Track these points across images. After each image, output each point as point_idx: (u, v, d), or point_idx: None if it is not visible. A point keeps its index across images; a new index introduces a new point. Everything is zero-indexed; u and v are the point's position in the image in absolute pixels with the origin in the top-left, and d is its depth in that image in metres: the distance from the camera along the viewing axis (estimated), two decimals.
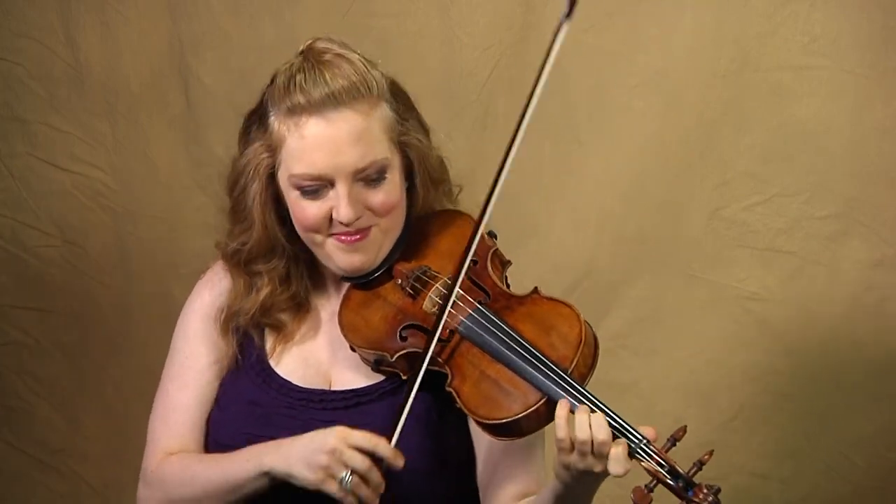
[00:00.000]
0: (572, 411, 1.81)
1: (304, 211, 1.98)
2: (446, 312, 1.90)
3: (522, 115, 1.89)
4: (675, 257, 2.96)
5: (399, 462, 1.87)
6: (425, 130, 2.07)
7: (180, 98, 3.15)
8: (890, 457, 2.88)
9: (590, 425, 1.78)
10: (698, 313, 2.96)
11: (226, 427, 2.04)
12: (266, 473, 1.92)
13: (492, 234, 2.03)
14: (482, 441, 2.00)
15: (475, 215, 2.02)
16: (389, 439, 1.87)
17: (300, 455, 1.88)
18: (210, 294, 2.12)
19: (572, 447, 1.79)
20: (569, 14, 1.86)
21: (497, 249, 2.02)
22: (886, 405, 2.87)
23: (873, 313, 2.87)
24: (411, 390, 1.89)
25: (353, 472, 1.85)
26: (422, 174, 2.04)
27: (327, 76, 1.95)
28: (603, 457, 1.78)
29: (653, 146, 2.95)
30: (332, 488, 1.85)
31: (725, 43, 2.88)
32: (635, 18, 2.92)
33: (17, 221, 3.19)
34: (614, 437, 1.78)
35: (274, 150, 2.00)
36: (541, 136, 3.01)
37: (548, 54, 1.88)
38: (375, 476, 1.86)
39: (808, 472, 2.91)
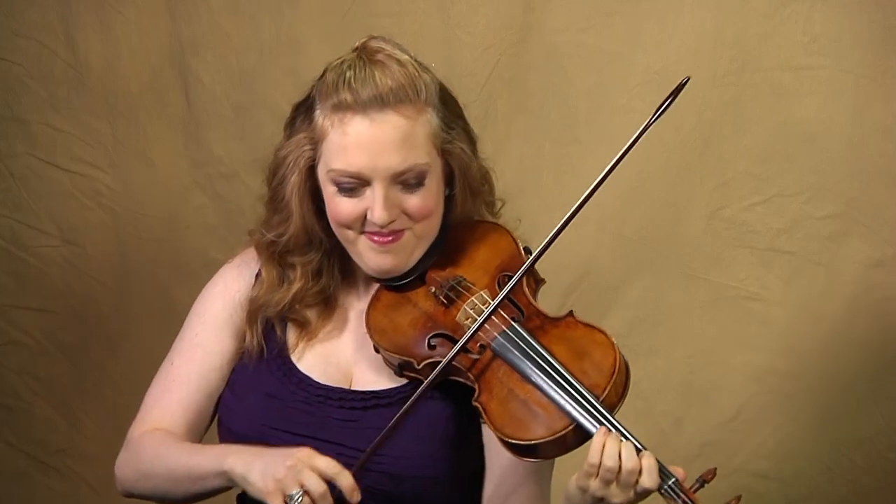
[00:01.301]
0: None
1: (339, 207, 1.97)
2: (478, 329, 1.88)
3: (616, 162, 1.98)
4: (675, 257, 2.96)
5: (355, 497, 1.84)
6: (471, 140, 2.06)
7: (180, 98, 3.15)
8: (890, 457, 2.88)
9: (620, 454, 1.77)
10: (698, 313, 2.96)
11: (241, 416, 2.03)
12: (224, 473, 1.91)
13: (527, 251, 2.02)
14: (495, 458, 1.98)
15: (513, 229, 2.04)
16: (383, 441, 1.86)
17: (261, 463, 1.86)
18: (237, 281, 2.11)
19: (598, 473, 1.78)
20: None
21: (532, 267, 2.00)
22: (887, 405, 2.87)
23: (873, 313, 2.87)
24: (421, 394, 1.88)
25: (307, 493, 1.81)
26: (461, 183, 2.03)
27: (377, 76, 1.95)
28: (628, 487, 1.77)
29: (653, 146, 2.94)
30: (276, 502, 1.83)
31: (725, 43, 2.88)
32: (635, 18, 2.92)
33: (17, 221, 3.19)
34: (638, 452, 1.78)
35: (316, 143, 1.99)
36: (541, 136, 3.01)
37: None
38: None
39: (808, 472, 2.91)
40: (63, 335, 3.23)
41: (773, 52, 2.87)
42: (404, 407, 1.87)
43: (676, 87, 1.95)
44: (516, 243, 2.03)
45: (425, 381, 1.87)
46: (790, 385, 2.91)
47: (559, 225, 1.92)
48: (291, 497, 1.81)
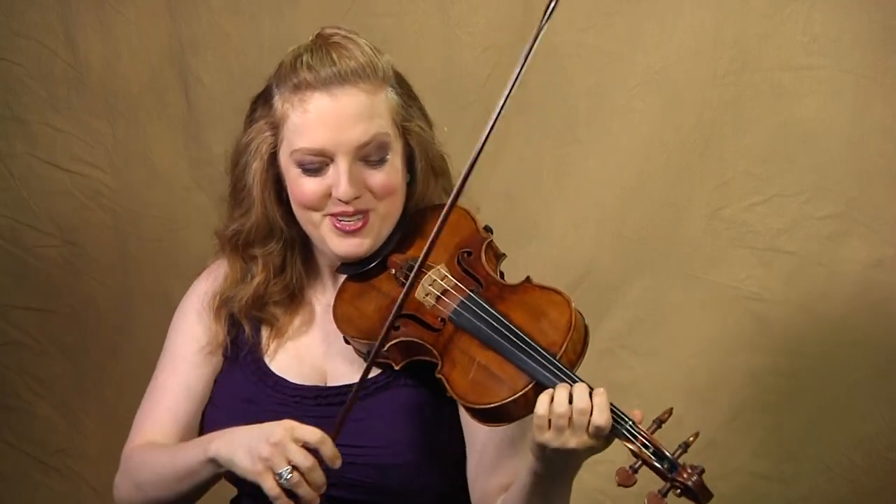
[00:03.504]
0: None
1: (303, 187, 1.98)
2: (411, 284, 1.90)
3: (504, 100, 1.95)
4: (675, 257, 2.96)
5: (337, 464, 1.83)
6: (429, 123, 2.07)
7: (180, 98, 3.15)
8: (890, 457, 2.88)
9: (570, 396, 1.77)
10: (698, 313, 2.96)
11: (221, 426, 2.04)
12: (212, 460, 1.90)
13: (488, 229, 2.03)
14: (473, 433, 1.99)
15: (477, 217, 2.04)
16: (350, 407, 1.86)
17: (244, 443, 1.85)
18: (205, 287, 2.12)
19: (549, 425, 1.78)
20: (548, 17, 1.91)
21: (492, 242, 2.02)
22: (886, 405, 2.87)
23: (873, 313, 2.87)
24: (374, 356, 1.89)
25: (295, 468, 1.81)
26: (423, 163, 2.04)
27: (334, 56, 1.97)
28: (580, 428, 1.77)
29: (653, 146, 2.95)
30: (268, 482, 1.81)
31: (725, 43, 2.88)
32: (635, 18, 2.92)
33: (17, 221, 3.19)
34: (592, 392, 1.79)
35: (277, 127, 2.00)
36: (541, 136, 3.01)
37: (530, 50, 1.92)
38: (318, 477, 1.82)
39: (808, 472, 2.91)
40: (63, 335, 3.23)
41: (773, 52, 2.87)
42: (364, 368, 1.88)
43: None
44: (475, 221, 2.03)
45: (378, 346, 1.88)
46: (790, 385, 2.91)
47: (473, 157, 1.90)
48: (281, 475, 1.81)
